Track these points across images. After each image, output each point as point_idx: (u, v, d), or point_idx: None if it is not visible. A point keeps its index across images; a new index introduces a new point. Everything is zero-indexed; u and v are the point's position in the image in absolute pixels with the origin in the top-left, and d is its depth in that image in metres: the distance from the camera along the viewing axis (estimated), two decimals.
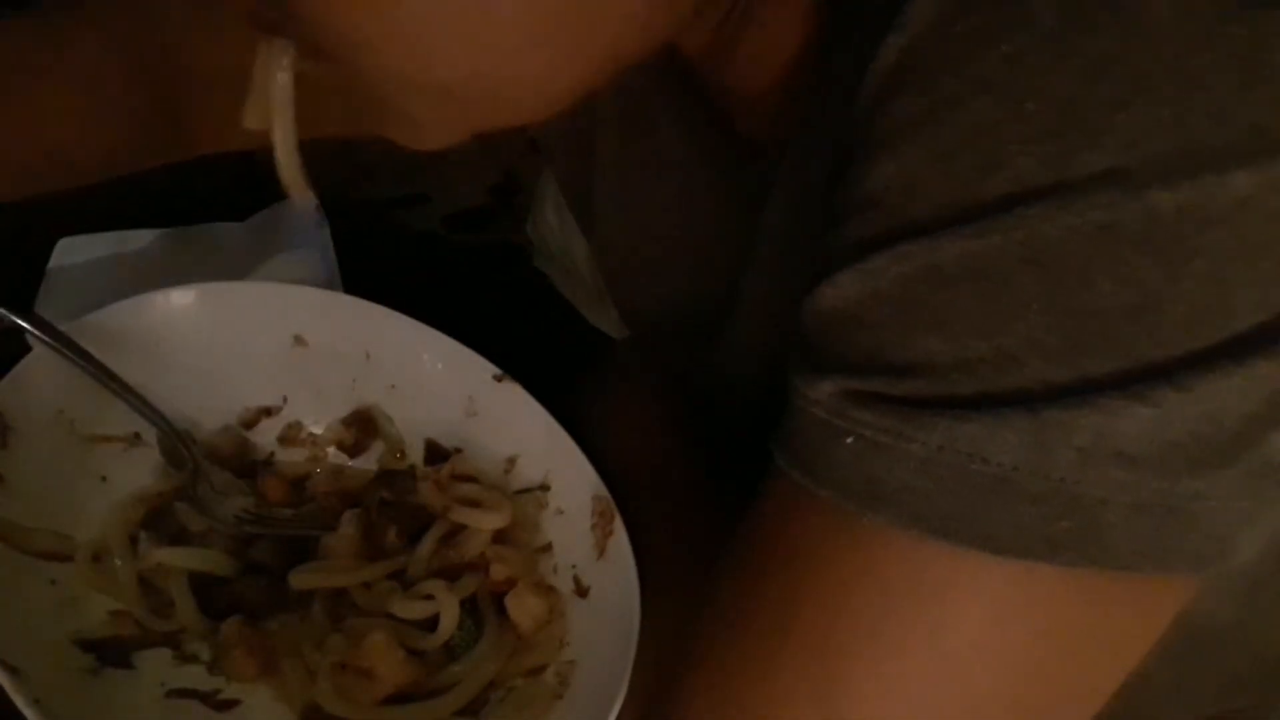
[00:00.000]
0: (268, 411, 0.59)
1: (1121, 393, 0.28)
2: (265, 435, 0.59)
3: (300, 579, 0.51)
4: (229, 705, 0.48)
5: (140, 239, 0.65)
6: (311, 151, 0.38)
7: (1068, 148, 0.28)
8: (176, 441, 0.54)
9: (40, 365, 0.50)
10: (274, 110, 0.37)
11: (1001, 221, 0.29)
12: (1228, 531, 0.30)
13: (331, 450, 0.60)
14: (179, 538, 0.52)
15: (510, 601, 0.52)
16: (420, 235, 0.86)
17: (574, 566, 0.54)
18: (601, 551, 0.53)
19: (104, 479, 0.53)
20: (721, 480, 0.56)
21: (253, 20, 0.35)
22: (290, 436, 0.60)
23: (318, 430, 0.60)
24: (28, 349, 0.50)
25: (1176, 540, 0.30)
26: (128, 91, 0.58)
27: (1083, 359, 0.29)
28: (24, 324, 0.49)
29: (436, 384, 0.59)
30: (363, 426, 0.60)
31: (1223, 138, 0.27)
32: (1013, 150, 0.28)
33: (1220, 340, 0.28)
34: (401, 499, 0.56)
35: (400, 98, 0.36)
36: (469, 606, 0.52)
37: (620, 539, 0.52)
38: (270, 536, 0.54)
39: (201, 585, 0.51)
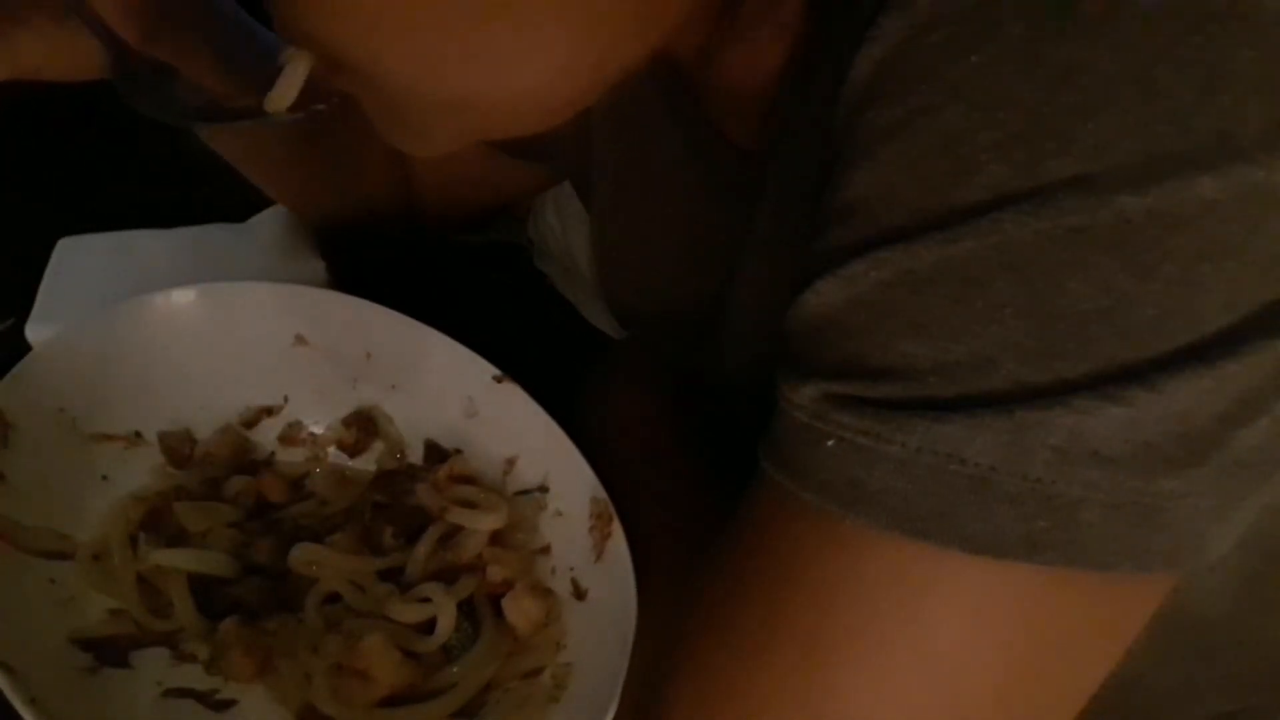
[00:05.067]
0: (268, 411, 0.60)
1: (1094, 393, 0.28)
2: (265, 435, 0.60)
3: (299, 557, 0.52)
4: (226, 705, 0.48)
5: (140, 239, 0.65)
6: None
7: (1038, 154, 0.28)
8: None
9: (40, 364, 0.51)
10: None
11: (975, 227, 0.29)
12: (1200, 529, 0.30)
13: (331, 450, 0.60)
14: (178, 538, 0.53)
15: (507, 604, 0.52)
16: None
17: (572, 569, 0.54)
18: (599, 554, 0.53)
19: (104, 478, 0.53)
20: (721, 480, 0.56)
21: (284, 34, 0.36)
22: (290, 436, 0.60)
23: (318, 430, 0.60)
24: (28, 349, 0.50)
25: (1152, 538, 0.30)
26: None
27: (1056, 361, 0.29)
28: None
29: (436, 384, 0.59)
30: (363, 426, 0.60)
31: (1187, 144, 0.27)
32: (985, 157, 0.29)
33: (1189, 342, 0.28)
34: (399, 500, 0.56)
35: (411, 110, 0.37)
36: (466, 609, 0.52)
37: (618, 541, 0.52)
38: (270, 536, 0.54)
39: (200, 585, 0.51)
